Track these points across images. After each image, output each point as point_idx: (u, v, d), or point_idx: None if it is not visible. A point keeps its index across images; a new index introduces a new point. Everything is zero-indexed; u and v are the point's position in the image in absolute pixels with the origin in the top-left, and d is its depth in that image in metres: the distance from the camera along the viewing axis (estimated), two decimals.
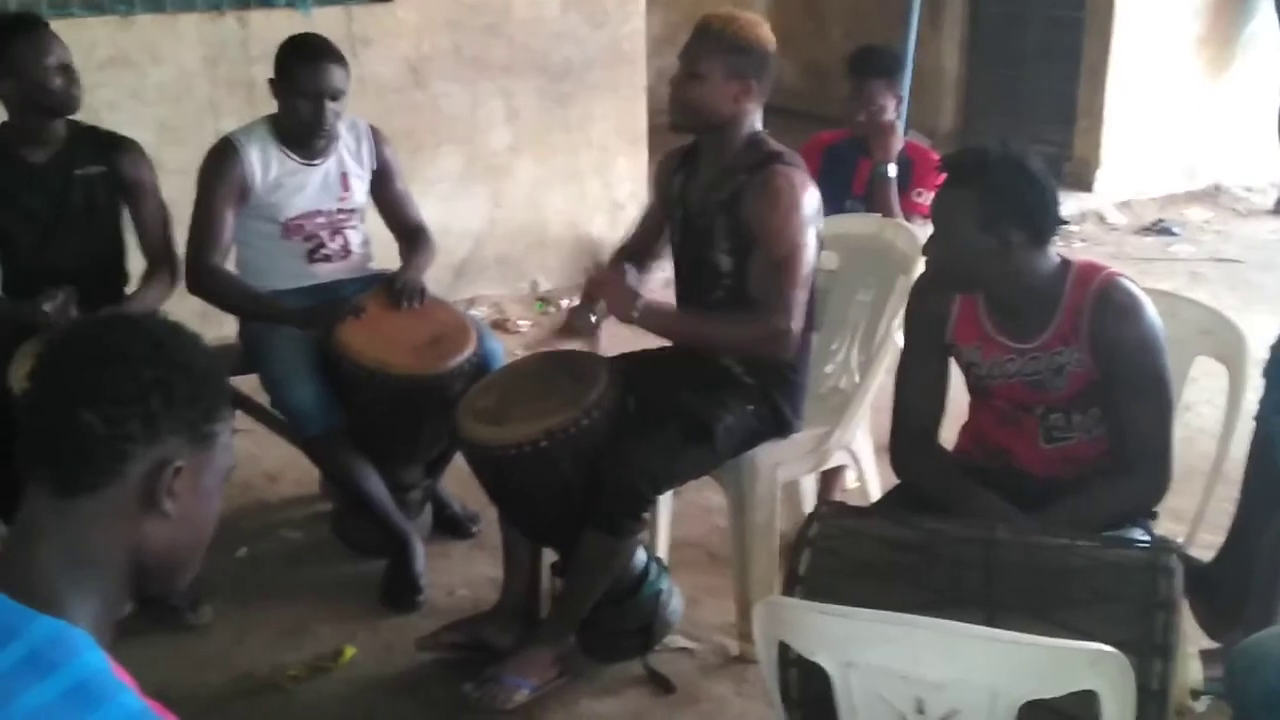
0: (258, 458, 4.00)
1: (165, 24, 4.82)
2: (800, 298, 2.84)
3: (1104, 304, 2.45)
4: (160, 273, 3.47)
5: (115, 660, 1.21)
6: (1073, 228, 6.70)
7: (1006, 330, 2.55)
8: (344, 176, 3.54)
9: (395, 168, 3.66)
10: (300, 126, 3.41)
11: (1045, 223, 2.45)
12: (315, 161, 3.49)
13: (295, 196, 3.47)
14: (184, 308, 4.49)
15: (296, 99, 3.37)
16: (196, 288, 3.47)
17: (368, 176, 3.60)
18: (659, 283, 3.40)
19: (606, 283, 2.94)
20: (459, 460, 3.01)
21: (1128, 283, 2.49)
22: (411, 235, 3.69)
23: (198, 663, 3.10)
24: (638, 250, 3.22)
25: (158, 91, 4.81)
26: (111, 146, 3.43)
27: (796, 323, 2.84)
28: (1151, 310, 2.47)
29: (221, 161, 3.41)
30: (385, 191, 3.65)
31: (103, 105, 4.51)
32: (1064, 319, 2.48)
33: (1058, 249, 2.54)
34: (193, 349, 1.35)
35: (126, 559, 1.31)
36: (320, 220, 3.52)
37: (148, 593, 1.39)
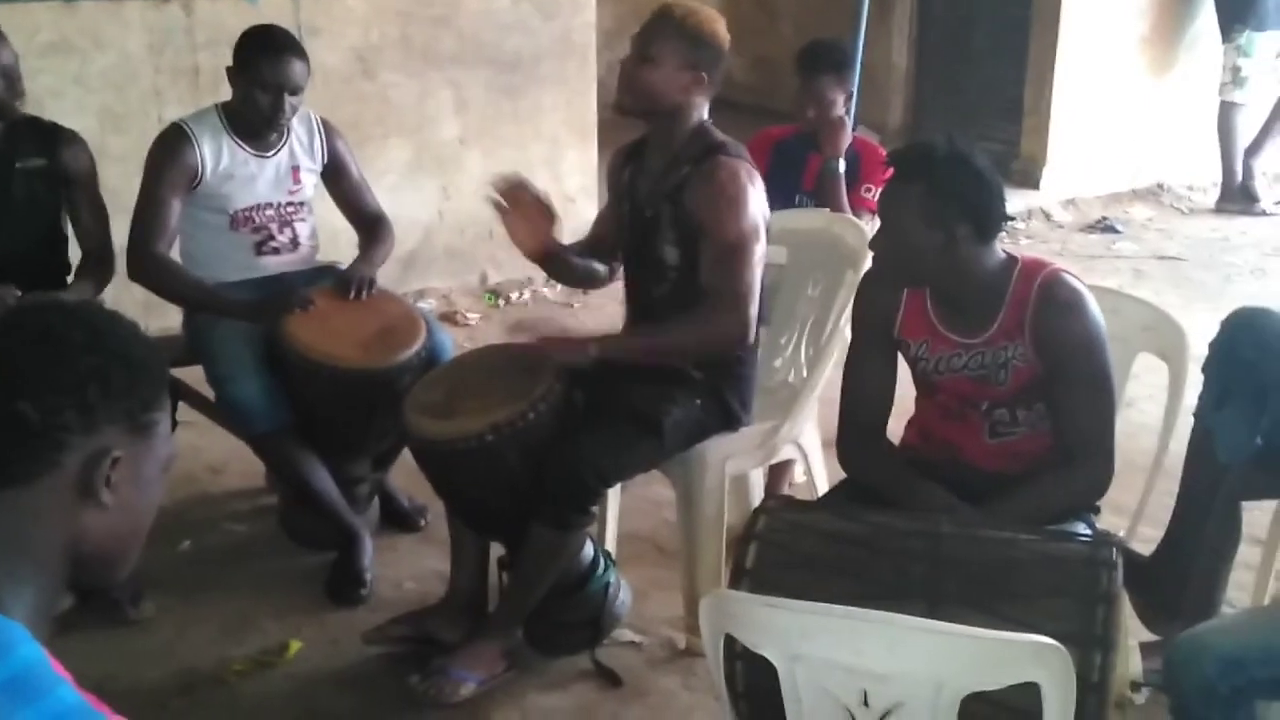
0: (201, 450, 3.96)
1: (109, 10, 4.74)
2: (751, 285, 2.84)
3: (1047, 300, 2.48)
4: (96, 266, 3.43)
5: (52, 654, 1.19)
6: (1019, 224, 6.77)
7: (953, 325, 2.58)
8: (295, 170, 3.51)
9: (348, 159, 3.64)
10: (256, 118, 3.37)
11: (990, 218, 2.48)
12: (267, 154, 3.46)
13: (246, 188, 3.43)
14: (127, 297, 4.44)
15: (256, 91, 3.33)
16: (139, 275, 3.42)
17: (318, 169, 3.57)
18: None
19: (547, 344, 2.95)
20: (407, 453, 2.99)
21: (1071, 279, 2.52)
22: (370, 225, 3.66)
23: (139, 658, 3.06)
24: (595, 249, 3.22)
25: (101, 78, 4.74)
26: (53, 138, 3.38)
27: (749, 310, 2.84)
28: (1094, 306, 2.50)
29: (172, 147, 3.37)
30: (340, 183, 3.63)
31: (45, 92, 4.44)
32: (1009, 314, 2.51)
33: (1003, 245, 2.57)
34: (130, 337, 1.33)
35: (64, 550, 1.29)
36: (269, 213, 3.49)
37: (87, 583, 1.37)
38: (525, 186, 3.06)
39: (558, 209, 3.09)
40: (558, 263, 3.14)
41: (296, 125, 3.51)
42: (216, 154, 3.39)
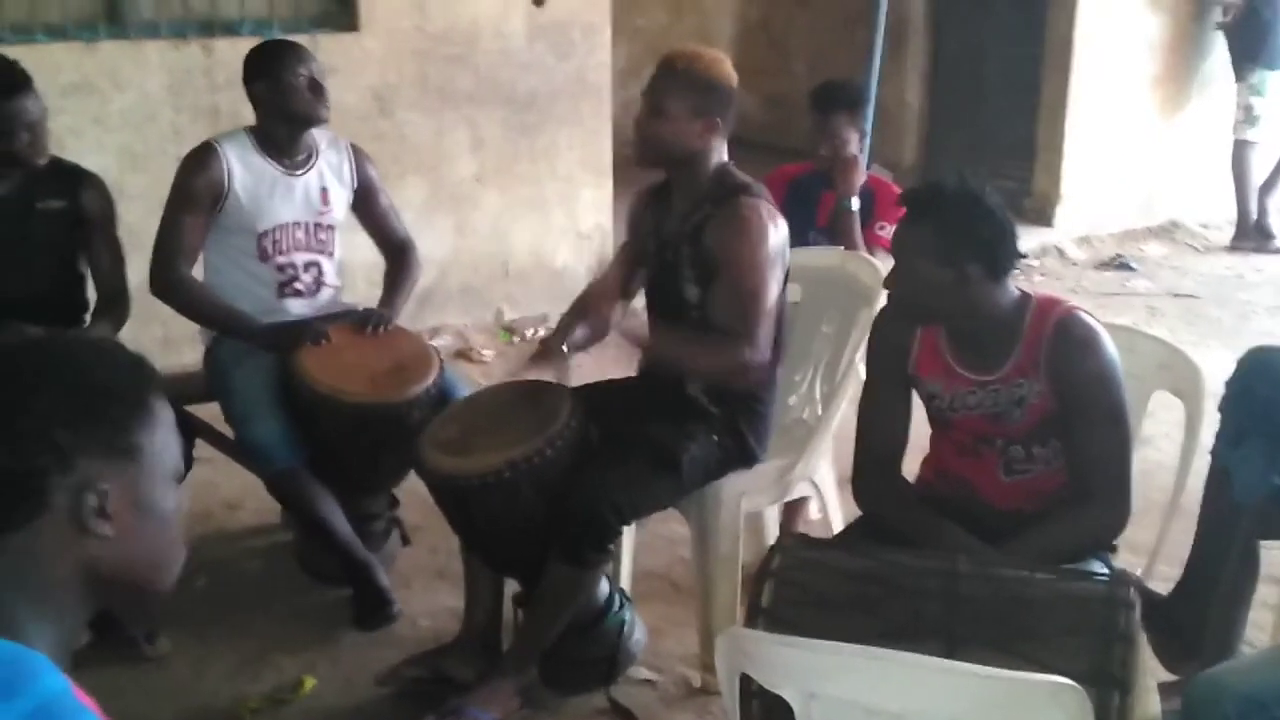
0: (218, 486, 3.97)
1: (129, 50, 4.81)
2: (766, 328, 2.85)
3: (1063, 337, 2.48)
4: (111, 309, 3.45)
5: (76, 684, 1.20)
6: (1033, 262, 6.78)
7: (967, 363, 2.58)
8: (324, 191, 3.52)
9: (377, 184, 3.67)
10: (296, 118, 3.39)
11: (1002, 256, 2.48)
12: (296, 173, 3.48)
13: (274, 204, 3.44)
14: (146, 334, 4.48)
15: (287, 91, 3.35)
16: (161, 293, 3.44)
17: (348, 195, 3.59)
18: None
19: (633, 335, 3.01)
20: (424, 489, 3.00)
21: (1086, 316, 2.53)
22: (398, 252, 3.69)
23: (155, 695, 3.07)
24: (611, 288, 3.23)
25: (121, 118, 4.79)
26: (74, 181, 3.41)
27: (761, 354, 2.85)
28: (1109, 344, 2.50)
29: (199, 162, 3.39)
30: (370, 208, 3.65)
31: (65, 131, 4.49)
32: (1024, 352, 2.51)
33: (1017, 283, 2.58)
34: (90, 362, 1.29)
35: (79, 584, 1.28)
36: (299, 235, 3.48)
37: (129, 604, 1.37)
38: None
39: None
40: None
41: (326, 149, 3.54)
42: (245, 166, 3.41)
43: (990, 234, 2.46)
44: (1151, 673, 2.68)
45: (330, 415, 3.24)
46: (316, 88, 3.40)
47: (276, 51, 3.46)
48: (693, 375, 2.98)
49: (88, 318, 3.48)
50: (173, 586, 1.38)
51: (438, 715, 2.88)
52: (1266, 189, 7.07)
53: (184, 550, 1.37)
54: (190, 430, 3.34)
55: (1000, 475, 2.60)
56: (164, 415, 1.33)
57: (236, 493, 3.98)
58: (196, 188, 3.38)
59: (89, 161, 3.60)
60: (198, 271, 3.50)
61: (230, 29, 4.97)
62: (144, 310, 3.85)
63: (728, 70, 2.95)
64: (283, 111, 3.41)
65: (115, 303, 3.45)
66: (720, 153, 2.96)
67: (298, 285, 3.52)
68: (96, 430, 1.26)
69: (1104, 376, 2.48)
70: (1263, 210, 7.09)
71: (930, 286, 2.48)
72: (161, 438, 1.32)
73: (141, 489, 1.30)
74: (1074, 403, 2.49)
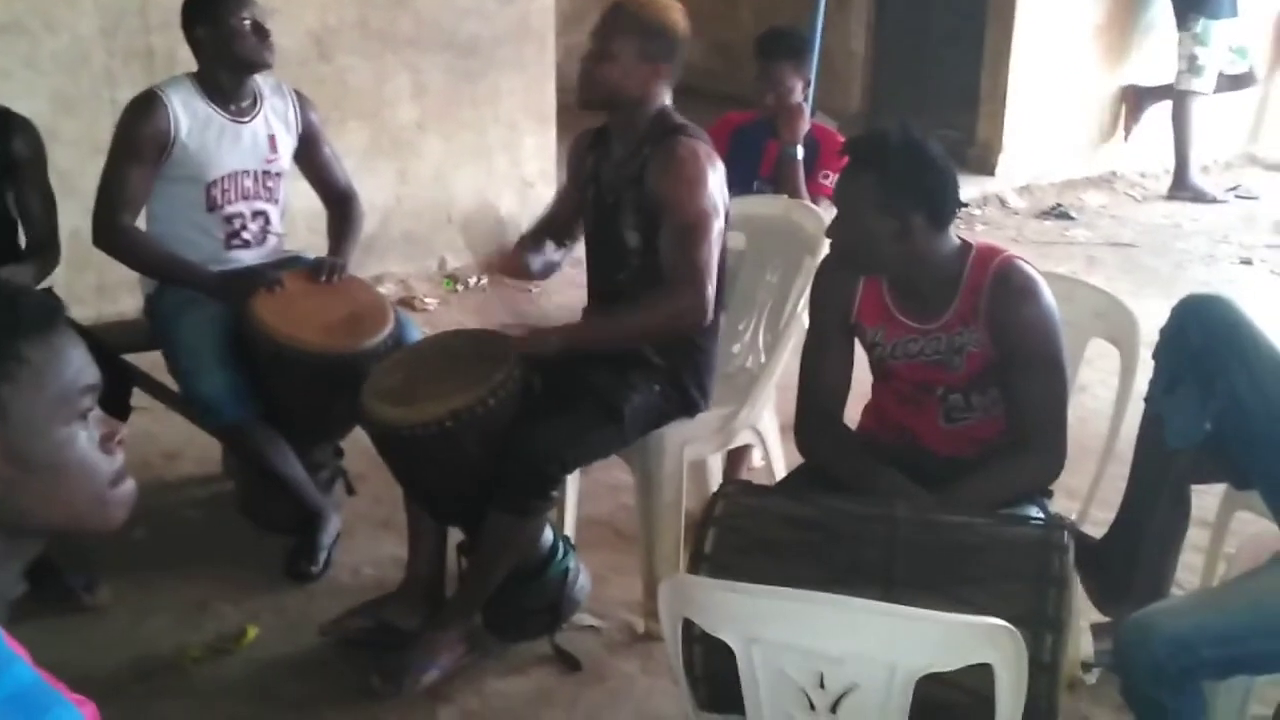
0: (156, 436, 3.92)
1: None
2: (709, 262, 2.84)
3: (1001, 285, 2.51)
4: (40, 255, 3.37)
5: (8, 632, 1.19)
6: (975, 211, 6.83)
7: (909, 311, 2.60)
8: (271, 138, 3.47)
9: (321, 131, 3.62)
10: (240, 63, 3.33)
11: (944, 205, 2.50)
12: (243, 119, 3.42)
13: (222, 153, 3.37)
14: (80, 281, 4.40)
15: (230, 35, 3.28)
16: (106, 246, 3.38)
17: (293, 141, 3.54)
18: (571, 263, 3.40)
19: (512, 338, 2.94)
20: (368, 438, 2.99)
21: (1025, 265, 2.56)
22: (341, 201, 3.65)
23: (96, 645, 3.05)
24: (554, 228, 3.22)
25: (52, 61, 4.67)
26: (5, 126, 3.33)
27: (709, 288, 2.84)
28: (1047, 292, 2.53)
29: (144, 112, 3.31)
30: (312, 155, 3.60)
31: None
32: (963, 300, 2.54)
33: (959, 232, 2.60)
34: None
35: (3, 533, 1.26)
36: (247, 184, 3.43)
37: (84, 538, 1.35)
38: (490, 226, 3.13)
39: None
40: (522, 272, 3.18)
41: (271, 95, 3.48)
42: (191, 116, 3.33)
43: (933, 184, 2.48)
44: (1084, 614, 2.75)
45: (288, 365, 3.20)
46: (260, 30, 3.33)
47: None
48: (647, 345, 2.96)
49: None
50: (116, 524, 1.34)
51: (383, 677, 2.88)
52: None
53: (120, 489, 1.33)
54: (128, 379, 3.30)
55: (940, 422, 2.64)
56: (43, 361, 1.27)
57: (176, 442, 3.94)
58: (141, 137, 3.30)
59: (20, 105, 3.51)
60: (140, 223, 3.44)
61: None
62: (79, 257, 3.79)
63: (678, 18, 2.92)
64: (226, 56, 3.33)
65: (44, 249, 3.38)
66: (664, 98, 2.94)
67: (245, 235, 3.47)
68: None
69: (1041, 324, 2.51)
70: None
71: (872, 236, 2.49)
72: (35, 388, 1.26)
73: (17, 443, 1.25)
74: (1012, 350, 2.52)
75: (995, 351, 2.53)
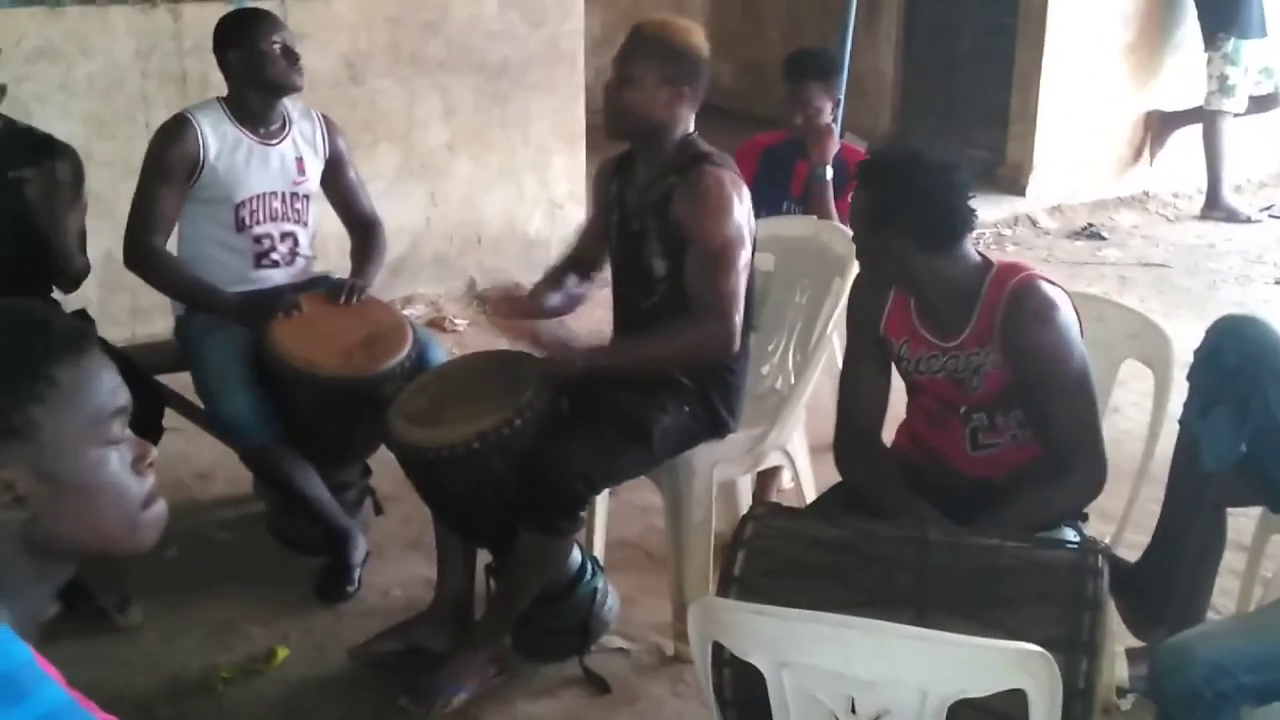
0: (189, 456, 3.95)
1: (95, 16, 4.74)
2: (736, 291, 2.84)
3: (1016, 308, 2.47)
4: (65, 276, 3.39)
5: (40, 654, 1.19)
6: (1005, 231, 6.80)
7: (930, 327, 2.59)
8: (299, 160, 3.50)
9: (348, 157, 3.65)
10: (271, 87, 3.37)
11: (938, 227, 2.47)
12: (272, 141, 3.45)
13: (250, 174, 3.41)
14: (115, 303, 4.45)
15: (261, 59, 3.33)
16: (135, 266, 3.42)
17: (321, 165, 3.57)
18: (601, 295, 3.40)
19: (543, 342, 2.93)
20: (393, 458, 2.99)
21: (1044, 285, 2.51)
22: (364, 228, 3.67)
23: (126, 665, 3.06)
24: (580, 260, 3.22)
25: (87, 84, 4.73)
26: (46, 149, 3.37)
27: (735, 317, 2.84)
28: (1066, 314, 2.49)
29: (173, 134, 3.36)
30: (338, 180, 3.63)
31: (31, 98, 4.44)
32: (980, 320, 2.52)
33: (980, 250, 2.58)
34: None
35: (26, 558, 1.26)
36: (275, 205, 3.46)
37: (115, 559, 1.34)
38: (510, 296, 3.11)
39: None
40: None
41: (299, 119, 3.52)
42: (220, 138, 3.37)
43: (923, 206, 2.44)
44: (1120, 639, 2.72)
45: (304, 389, 3.21)
46: (290, 55, 3.37)
47: (249, 20, 3.43)
48: (674, 371, 2.95)
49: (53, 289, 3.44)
50: (147, 546, 1.34)
51: (413, 697, 2.88)
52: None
53: (151, 511, 1.33)
54: (160, 400, 3.32)
55: (967, 448, 2.62)
56: (73, 383, 1.27)
57: (208, 463, 3.96)
58: (171, 160, 3.35)
59: (55, 128, 3.55)
60: (171, 243, 3.47)
61: None
62: (113, 279, 3.82)
63: (699, 40, 2.93)
64: (257, 80, 3.37)
65: (69, 269, 3.41)
66: (687, 124, 2.94)
67: (274, 256, 3.50)
68: None
69: (1058, 348, 2.46)
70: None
71: (874, 254, 2.53)
72: (69, 409, 1.27)
73: (50, 465, 1.25)
74: (1032, 375, 2.49)
75: (1013, 373, 2.51)
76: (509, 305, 3.14)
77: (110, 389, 1.31)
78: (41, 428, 1.24)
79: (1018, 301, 2.48)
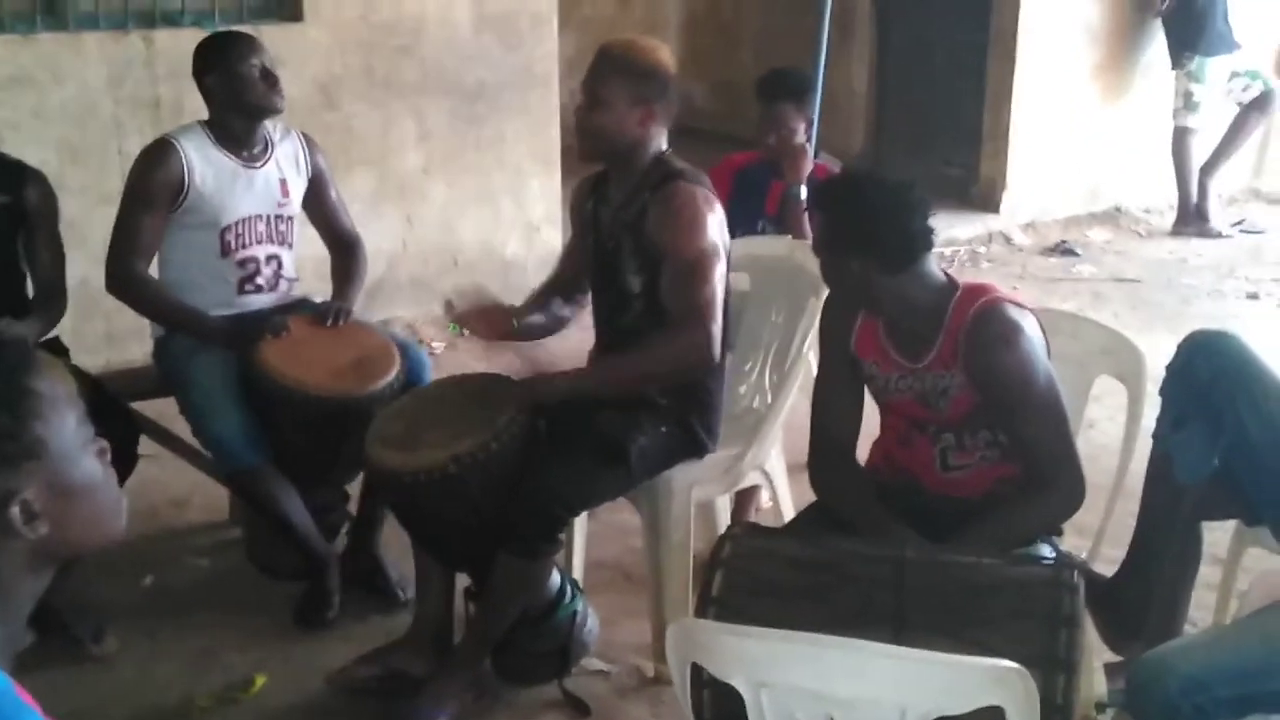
0: (164, 484, 3.92)
1: (68, 42, 4.73)
2: (712, 302, 2.84)
3: (978, 332, 2.48)
4: (46, 306, 3.37)
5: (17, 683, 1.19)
6: (980, 249, 6.84)
7: (898, 348, 2.61)
8: (282, 182, 3.49)
9: (329, 176, 3.64)
10: (251, 110, 3.36)
11: (889, 250, 2.48)
12: (255, 165, 3.44)
13: (236, 199, 3.39)
14: (89, 329, 4.42)
15: (240, 82, 3.32)
16: (118, 292, 3.41)
17: (304, 185, 3.56)
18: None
19: (514, 383, 2.93)
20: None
21: (1007, 308, 2.51)
22: (346, 247, 3.66)
23: (103, 694, 3.03)
24: (563, 285, 3.22)
25: (60, 111, 4.71)
26: (17, 176, 3.35)
27: (713, 327, 2.84)
28: (1029, 334, 2.49)
29: (157, 160, 3.34)
30: (320, 199, 3.62)
31: (3, 125, 4.43)
32: (945, 343, 2.53)
33: (960, 269, 2.60)
34: None
35: (25, 575, 1.29)
36: (260, 228, 3.45)
37: (97, 554, 1.40)
38: (479, 293, 3.09)
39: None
40: (520, 334, 3.14)
41: (281, 140, 3.51)
42: (205, 162, 3.35)
43: (871, 229, 2.45)
44: (1097, 654, 2.73)
45: (293, 409, 3.20)
46: (270, 77, 3.37)
47: (227, 43, 3.42)
48: (652, 387, 2.95)
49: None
50: (123, 532, 1.39)
51: (390, 719, 2.86)
52: (1206, 172, 7.17)
53: (122, 497, 1.38)
54: (135, 427, 3.30)
55: (937, 469, 2.63)
56: (52, 390, 1.30)
57: (183, 490, 3.94)
58: (154, 185, 3.33)
59: (28, 155, 3.54)
60: (153, 269, 3.45)
61: (171, 20, 4.92)
62: (87, 305, 3.80)
63: (663, 57, 2.95)
64: (237, 103, 3.36)
65: (50, 299, 3.39)
66: (659, 142, 2.96)
67: (259, 280, 3.48)
68: None
69: (1019, 370, 2.47)
70: (1203, 193, 7.19)
71: (834, 278, 2.56)
72: (59, 417, 1.30)
73: (59, 476, 1.29)
74: (999, 397, 2.50)
75: (979, 396, 2.52)
76: (486, 324, 3.12)
77: (71, 388, 1.35)
78: (47, 442, 1.28)
79: (980, 325, 2.48)
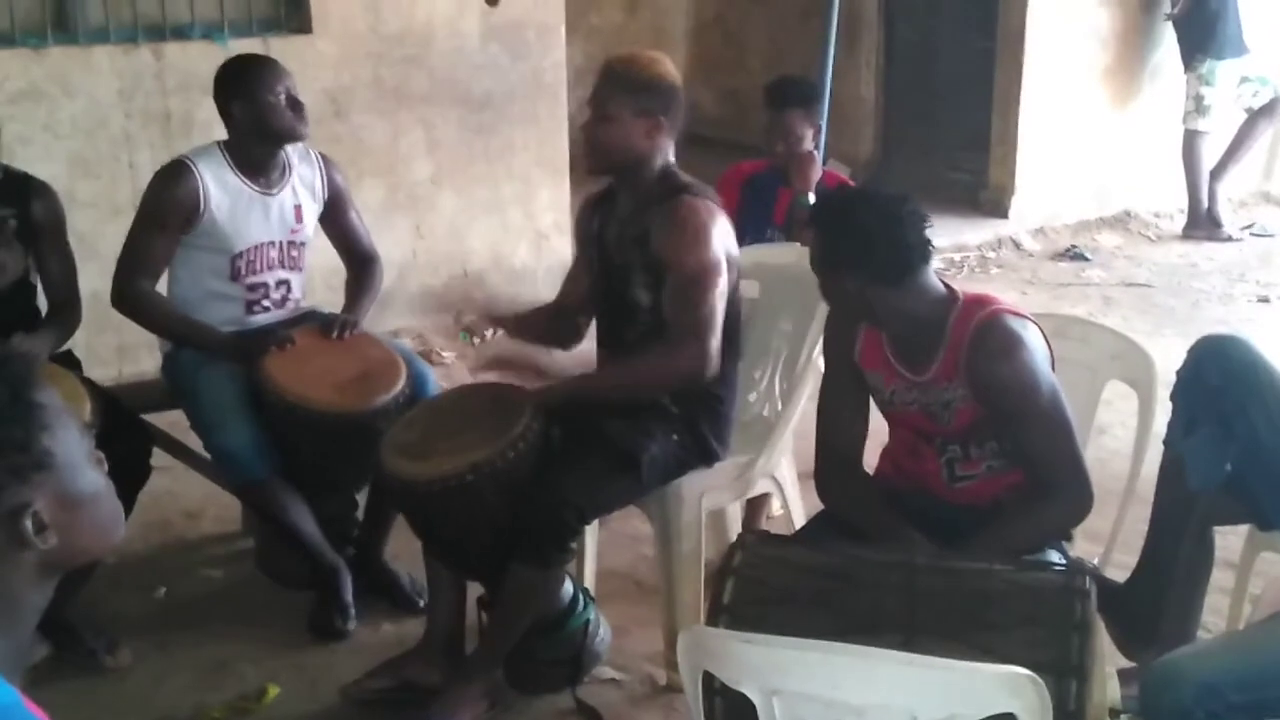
0: (177, 495, 3.93)
1: (78, 56, 4.75)
2: (711, 316, 2.84)
3: (979, 345, 2.48)
4: (60, 318, 3.39)
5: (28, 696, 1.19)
6: (989, 254, 6.83)
7: (902, 360, 2.61)
8: (297, 208, 3.48)
9: (347, 195, 3.63)
10: (276, 137, 3.35)
11: (884, 264, 2.47)
12: (271, 191, 3.43)
13: (250, 225, 3.39)
14: (101, 342, 4.43)
15: (267, 110, 3.30)
16: (123, 308, 3.41)
17: (319, 208, 3.55)
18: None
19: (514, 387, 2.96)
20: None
21: (1008, 319, 2.51)
22: (363, 264, 3.66)
23: (117, 707, 3.04)
24: (570, 304, 3.23)
25: (70, 124, 4.73)
26: (24, 189, 3.35)
27: (710, 341, 2.84)
28: (1031, 345, 2.49)
29: (173, 181, 3.33)
30: (337, 218, 3.61)
31: (14, 139, 4.45)
32: (947, 355, 2.53)
33: (946, 281, 2.60)
34: None
35: (35, 586, 1.29)
36: (272, 255, 3.45)
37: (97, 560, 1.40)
38: (490, 311, 3.17)
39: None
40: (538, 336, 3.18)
41: (299, 163, 3.49)
42: (221, 187, 3.35)
43: (861, 246, 2.45)
44: (1110, 660, 2.72)
45: (298, 423, 3.21)
46: (296, 105, 3.35)
47: (252, 70, 3.39)
48: (653, 395, 2.96)
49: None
50: (121, 539, 1.40)
51: None
52: (1216, 175, 7.16)
53: (120, 505, 1.39)
54: (148, 439, 3.31)
55: (944, 480, 2.63)
56: (53, 400, 1.31)
57: (196, 501, 3.95)
58: (168, 205, 3.32)
59: (38, 169, 3.56)
60: (161, 285, 3.46)
61: (181, 33, 4.93)
62: (99, 318, 3.81)
63: (667, 69, 2.96)
64: (262, 131, 3.35)
65: (64, 312, 3.41)
66: (666, 154, 2.96)
67: (266, 303, 3.49)
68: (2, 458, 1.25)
69: (1020, 381, 2.47)
70: (1212, 197, 7.17)
71: (832, 294, 2.57)
72: (64, 429, 1.31)
73: (66, 487, 1.29)
74: (1003, 409, 2.51)
75: (983, 408, 2.52)
76: (515, 323, 3.17)
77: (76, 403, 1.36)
78: (55, 453, 1.28)
79: (981, 338, 2.48)
